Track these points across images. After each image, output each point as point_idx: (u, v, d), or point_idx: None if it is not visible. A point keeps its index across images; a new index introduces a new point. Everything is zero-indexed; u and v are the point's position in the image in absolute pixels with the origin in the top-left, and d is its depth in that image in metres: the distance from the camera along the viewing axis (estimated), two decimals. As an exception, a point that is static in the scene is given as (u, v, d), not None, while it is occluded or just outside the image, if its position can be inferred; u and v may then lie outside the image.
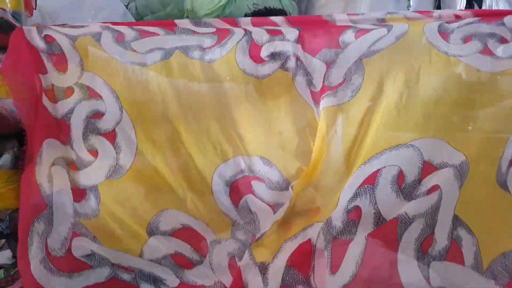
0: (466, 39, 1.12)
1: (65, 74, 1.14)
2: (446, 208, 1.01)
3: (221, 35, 1.18)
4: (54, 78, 1.14)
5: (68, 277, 1.04)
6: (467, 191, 1.02)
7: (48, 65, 1.14)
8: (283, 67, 1.14)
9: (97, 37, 1.15)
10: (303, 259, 1.07)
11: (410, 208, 1.02)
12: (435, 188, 1.02)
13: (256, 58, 1.15)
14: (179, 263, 1.09)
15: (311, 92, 1.13)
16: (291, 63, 1.13)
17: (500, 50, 1.08)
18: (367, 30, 1.16)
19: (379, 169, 1.05)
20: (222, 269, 1.09)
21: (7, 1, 1.36)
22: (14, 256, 1.29)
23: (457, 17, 1.19)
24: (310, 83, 1.13)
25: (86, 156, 1.11)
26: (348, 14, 1.24)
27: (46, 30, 1.17)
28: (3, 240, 1.35)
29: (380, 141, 1.06)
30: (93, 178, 1.10)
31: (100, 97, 1.12)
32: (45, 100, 1.13)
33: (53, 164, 1.11)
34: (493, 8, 2.29)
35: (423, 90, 1.07)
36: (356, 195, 1.06)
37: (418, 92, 1.07)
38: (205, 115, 1.13)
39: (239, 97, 1.13)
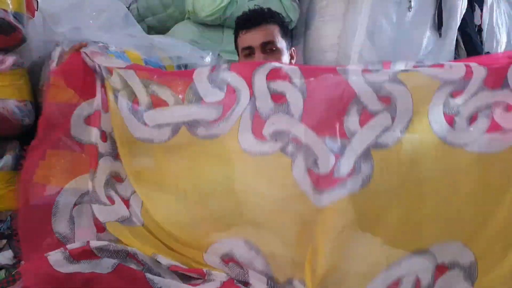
0: (471, 119, 1.08)
1: (105, 114, 1.18)
2: None
3: (226, 105, 1.15)
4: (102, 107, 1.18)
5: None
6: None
7: (101, 91, 1.19)
8: (283, 150, 1.10)
9: (116, 95, 1.17)
10: None
11: None
12: None
13: (258, 134, 1.12)
14: None
15: (312, 174, 1.07)
16: (291, 148, 1.09)
17: (506, 120, 1.06)
18: (371, 115, 1.11)
19: (399, 279, 1.03)
20: None
21: (9, 2, 1.37)
22: (15, 257, 1.30)
23: (468, 70, 1.12)
24: (314, 163, 1.08)
25: (103, 198, 1.15)
26: (363, 71, 1.17)
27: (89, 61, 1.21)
28: (4, 241, 1.35)
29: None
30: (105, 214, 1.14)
31: (121, 162, 1.17)
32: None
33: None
34: (494, 8, 2.30)
35: (434, 190, 1.07)
36: None
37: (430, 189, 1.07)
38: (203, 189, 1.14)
39: (234, 173, 1.12)
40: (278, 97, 1.13)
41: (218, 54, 1.88)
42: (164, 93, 1.17)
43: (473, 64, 1.11)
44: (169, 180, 1.16)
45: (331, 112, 1.12)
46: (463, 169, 1.06)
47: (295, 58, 1.48)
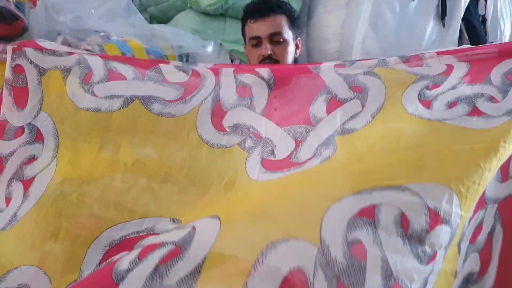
0: (451, 105, 1.00)
1: (23, 111, 1.09)
2: None
3: (189, 88, 1.12)
4: (10, 114, 1.09)
5: None
6: None
7: (8, 99, 1.09)
8: (241, 145, 1.07)
9: (65, 73, 1.11)
10: None
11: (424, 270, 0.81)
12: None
13: (217, 124, 1.09)
14: None
15: (267, 161, 1.03)
16: (250, 143, 1.07)
17: (492, 109, 0.96)
18: (340, 103, 1.07)
19: (375, 205, 0.81)
20: None
21: (11, -9, 1.37)
22: None
23: (448, 68, 1.07)
24: (271, 153, 1.04)
25: (1, 203, 1.04)
26: (335, 65, 1.14)
27: (19, 58, 1.11)
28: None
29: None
30: None
31: (43, 141, 1.08)
32: None
33: None
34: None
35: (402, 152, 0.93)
36: (354, 225, 0.79)
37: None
38: (144, 169, 1.07)
39: (185, 159, 1.06)
40: (243, 90, 1.12)
41: (220, 44, 1.88)
42: (124, 69, 1.13)
43: (455, 64, 1.08)
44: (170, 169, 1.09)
45: (297, 104, 1.10)
46: (444, 137, 0.93)
47: (300, 48, 1.48)
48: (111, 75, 1.12)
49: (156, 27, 1.80)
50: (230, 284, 0.77)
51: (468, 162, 0.86)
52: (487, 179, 0.86)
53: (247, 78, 1.14)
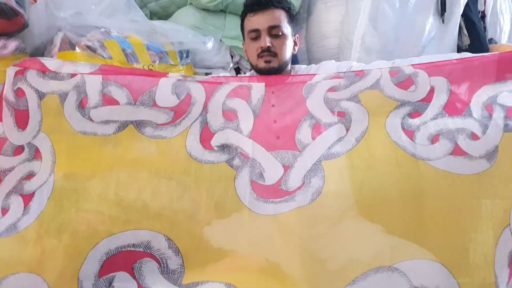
0: (433, 139, 1.04)
1: (23, 131, 1.14)
2: None
3: (178, 113, 1.17)
4: (10, 133, 1.14)
5: None
6: None
7: (10, 119, 1.15)
8: (229, 162, 1.11)
9: (63, 97, 1.16)
10: None
11: None
12: None
13: (205, 143, 1.14)
14: None
15: (256, 185, 1.08)
16: (238, 161, 1.11)
17: (472, 148, 1.01)
18: (324, 128, 1.11)
19: None
20: None
21: (11, -13, 1.37)
22: None
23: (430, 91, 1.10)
24: (260, 176, 1.09)
25: None
26: (328, 90, 1.17)
27: (21, 82, 1.17)
28: None
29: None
30: None
31: (41, 158, 1.12)
32: None
33: None
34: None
35: (391, 197, 1.01)
36: None
37: (387, 198, 1.01)
38: (140, 179, 1.11)
39: (174, 172, 1.11)
40: (230, 114, 1.16)
41: (220, 40, 1.88)
42: (118, 93, 1.18)
43: (438, 86, 1.10)
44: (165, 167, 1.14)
45: (282, 129, 1.13)
46: (428, 182, 1.00)
47: (298, 45, 1.48)
48: (105, 100, 1.16)
49: (156, 23, 1.81)
50: None
51: (452, 226, 0.97)
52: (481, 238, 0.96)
53: (234, 103, 1.18)
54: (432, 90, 1.10)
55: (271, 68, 1.35)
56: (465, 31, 2.14)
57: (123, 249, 1.02)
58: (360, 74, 1.18)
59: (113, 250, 1.02)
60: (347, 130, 1.09)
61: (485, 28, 2.31)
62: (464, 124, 1.04)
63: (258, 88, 1.20)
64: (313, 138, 1.09)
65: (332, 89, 1.17)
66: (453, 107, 1.07)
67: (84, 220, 1.05)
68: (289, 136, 1.12)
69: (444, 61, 1.17)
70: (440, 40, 2.00)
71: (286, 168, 1.07)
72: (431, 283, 0.93)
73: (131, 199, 1.08)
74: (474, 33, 2.16)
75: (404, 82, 1.13)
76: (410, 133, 1.05)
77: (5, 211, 1.08)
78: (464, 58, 1.19)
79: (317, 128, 1.11)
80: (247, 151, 1.11)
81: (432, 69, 1.14)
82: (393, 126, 1.06)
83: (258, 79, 1.25)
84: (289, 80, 1.24)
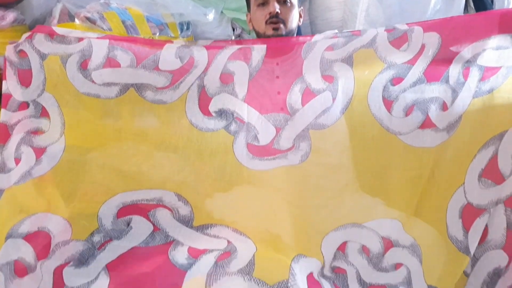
0: (408, 110, 1.14)
1: (27, 89, 1.18)
2: (418, 280, 1.09)
3: (176, 75, 1.21)
4: (14, 90, 1.19)
5: None
6: (428, 263, 1.09)
7: (13, 77, 1.19)
8: (227, 128, 1.18)
9: (64, 59, 1.19)
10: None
11: (389, 278, 1.10)
12: (399, 265, 1.11)
13: (204, 109, 1.20)
14: None
15: (252, 146, 1.17)
16: (235, 127, 1.18)
17: (439, 119, 1.11)
18: (313, 95, 1.18)
19: (346, 241, 1.13)
20: None
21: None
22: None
23: (419, 52, 1.18)
24: (254, 138, 1.17)
25: (10, 163, 1.15)
26: (326, 49, 1.24)
27: (23, 44, 1.21)
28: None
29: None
30: (3, 182, 1.13)
31: (49, 118, 1.18)
32: None
33: None
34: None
35: (364, 168, 1.15)
36: (336, 257, 1.12)
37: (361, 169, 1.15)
38: (144, 148, 1.17)
39: (178, 140, 1.18)
40: (226, 77, 1.21)
41: (221, 12, 1.85)
42: (123, 57, 1.21)
43: (428, 44, 1.16)
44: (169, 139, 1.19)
45: (271, 90, 1.20)
46: (394, 155, 1.13)
47: (302, 17, 1.46)
48: (107, 62, 1.20)
49: (157, -6, 1.77)
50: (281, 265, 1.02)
51: (409, 189, 1.12)
52: (428, 200, 1.11)
53: (234, 66, 1.23)
54: (422, 48, 1.16)
55: (279, 35, 1.34)
56: (471, 4, 2.09)
57: (137, 202, 1.13)
58: (357, 33, 1.23)
59: (128, 202, 1.13)
60: (333, 99, 1.16)
61: (492, 0, 2.26)
62: (439, 92, 1.12)
63: (259, 49, 1.24)
64: (303, 105, 1.17)
65: (329, 48, 1.22)
66: (434, 71, 1.14)
67: (94, 175, 1.14)
68: (281, 98, 1.20)
69: (445, 17, 1.24)
70: (446, 13, 1.96)
71: (278, 129, 1.16)
72: (393, 235, 1.12)
73: (142, 155, 1.16)
74: (481, 5, 2.11)
75: (400, 38, 1.20)
76: (389, 104, 1.14)
77: (17, 160, 1.15)
78: (467, 15, 1.22)
79: (306, 94, 1.18)
80: (243, 116, 1.18)
81: (429, 25, 1.20)
82: (375, 96, 1.15)
83: (260, 42, 1.28)
84: (290, 42, 1.28)
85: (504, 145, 1.03)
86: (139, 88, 1.19)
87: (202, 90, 1.20)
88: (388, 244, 1.11)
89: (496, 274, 1.04)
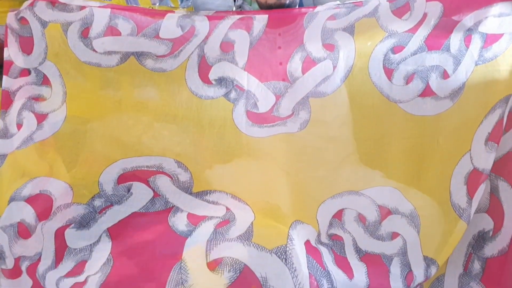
0: (409, 79, 1.12)
1: (28, 56, 1.18)
2: (414, 251, 1.08)
3: (176, 44, 1.19)
4: (16, 57, 1.18)
5: None
6: (426, 234, 1.08)
7: (15, 44, 1.19)
8: (226, 96, 1.17)
9: (65, 26, 1.18)
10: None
11: (384, 247, 1.10)
12: (396, 234, 1.10)
13: (204, 77, 1.19)
14: None
15: (251, 114, 1.16)
16: (235, 94, 1.17)
17: (441, 88, 1.09)
18: (314, 63, 1.16)
19: (343, 209, 1.12)
20: None
21: None
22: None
23: (420, 21, 1.15)
24: (254, 105, 1.17)
25: (12, 129, 1.16)
26: (327, 18, 1.22)
27: (24, 11, 1.20)
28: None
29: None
30: (6, 147, 1.15)
31: (50, 86, 1.18)
32: None
33: None
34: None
35: (364, 138, 1.14)
36: (331, 224, 1.12)
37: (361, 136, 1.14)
38: (144, 119, 1.18)
39: (178, 109, 1.17)
40: (227, 45, 1.20)
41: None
42: (124, 25, 1.20)
43: (430, 13, 1.13)
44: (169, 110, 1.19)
45: (273, 60, 1.19)
46: (394, 124, 1.12)
47: None
48: (108, 31, 1.19)
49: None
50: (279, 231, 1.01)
51: (409, 158, 1.11)
52: (430, 169, 1.10)
53: (235, 34, 1.21)
54: (424, 17, 1.14)
55: (282, 4, 1.32)
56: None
57: (138, 168, 1.14)
58: (359, 4, 1.21)
59: (128, 168, 1.14)
60: (334, 68, 1.15)
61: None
62: (439, 61, 1.10)
63: (260, 19, 1.23)
64: (303, 73, 1.16)
65: (331, 17, 1.20)
66: (435, 40, 1.11)
67: (94, 144, 1.15)
68: (282, 66, 1.18)
69: None
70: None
71: (278, 97, 1.15)
72: (391, 203, 1.11)
73: (142, 126, 1.17)
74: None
75: (402, 7, 1.17)
76: (390, 72, 1.13)
77: (19, 126, 1.16)
78: None
79: (307, 63, 1.17)
80: (242, 84, 1.17)
81: None
82: (375, 65, 1.14)
83: (262, 12, 1.26)
84: (292, 12, 1.26)
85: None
86: (140, 56, 1.19)
87: (202, 58, 1.19)
88: (386, 212, 1.11)
89: (481, 237, 1.04)
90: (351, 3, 1.24)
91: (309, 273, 0.91)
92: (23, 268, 1.03)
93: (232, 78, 1.17)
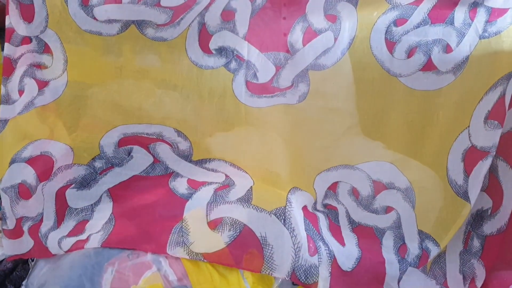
0: (410, 52, 1.11)
1: (30, 24, 1.18)
2: (408, 226, 1.09)
3: (177, 12, 1.18)
4: (17, 25, 1.18)
5: None
6: (422, 208, 1.08)
7: (15, 11, 1.17)
8: (226, 66, 1.17)
9: None
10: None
11: (377, 220, 1.11)
12: (390, 208, 1.10)
13: (204, 47, 1.18)
14: None
15: (251, 84, 1.16)
16: (235, 65, 1.17)
17: (443, 62, 1.08)
18: (315, 34, 1.15)
19: (337, 181, 1.12)
20: None
21: None
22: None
23: None
24: (253, 76, 1.16)
25: (14, 95, 1.16)
26: None
27: None
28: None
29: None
30: (8, 112, 1.15)
31: (52, 54, 1.17)
32: None
33: None
34: None
35: (365, 111, 1.13)
36: (326, 195, 1.13)
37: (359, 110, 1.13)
38: (146, 85, 1.18)
39: (178, 78, 1.17)
40: (228, 14, 1.18)
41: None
42: None
43: None
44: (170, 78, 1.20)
45: (276, 30, 1.18)
46: (395, 98, 1.11)
47: None
48: None
49: None
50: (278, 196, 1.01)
51: (409, 131, 1.09)
52: (429, 144, 1.09)
53: (237, 2, 1.20)
54: None
55: None
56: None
57: (138, 134, 1.15)
58: None
59: (129, 133, 1.15)
60: (335, 39, 1.14)
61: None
62: (443, 34, 1.08)
63: None
64: (304, 44, 1.15)
65: None
66: (439, 12, 1.10)
67: (98, 113, 1.16)
68: (283, 37, 1.18)
69: None
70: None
71: (278, 68, 1.15)
72: (386, 178, 1.10)
73: (143, 92, 1.17)
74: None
75: None
76: (391, 45, 1.12)
77: (21, 92, 1.16)
78: None
79: (308, 34, 1.16)
80: (243, 54, 1.17)
81: None
82: (377, 37, 1.13)
83: None
84: None
85: None
86: (140, 24, 1.18)
87: (202, 27, 1.18)
88: (380, 186, 1.12)
89: (479, 215, 1.04)
90: None
91: (307, 234, 0.93)
92: (25, 228, 1.04)
93: (232, 48, 1.17)
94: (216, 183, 1.09)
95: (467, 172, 1.03)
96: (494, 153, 1.01)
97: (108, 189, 1.06)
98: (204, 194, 1.04)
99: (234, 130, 1.16)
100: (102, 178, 1.08)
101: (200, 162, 1.16)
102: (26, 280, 1.01)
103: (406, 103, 1.11)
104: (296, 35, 1.17)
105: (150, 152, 1.14)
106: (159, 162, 1.14)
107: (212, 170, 1.14)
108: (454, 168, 1.05)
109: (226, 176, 1.12)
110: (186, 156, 1.16)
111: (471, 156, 1.03)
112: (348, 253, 1.03)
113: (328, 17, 1.17)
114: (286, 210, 0.92)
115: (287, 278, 0.86)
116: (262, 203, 0.95)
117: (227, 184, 1.09)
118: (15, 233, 1.06)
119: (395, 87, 1.11)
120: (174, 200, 1.03)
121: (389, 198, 1.10)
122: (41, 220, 1.05)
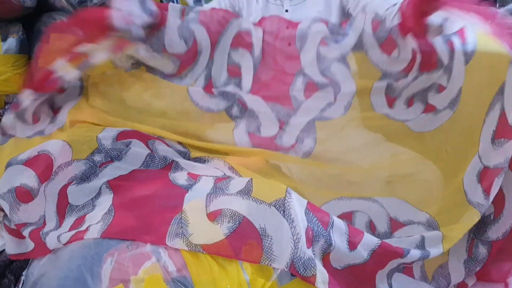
0: (409, 102, 1.17)
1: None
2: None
3: (184, 62, 1.22)
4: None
5: None
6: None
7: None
8: (228, 111, 1.21)
9: None
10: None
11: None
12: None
13: (209, 90, 1.22)
14: None
15: (254, 135, 1.20)
16: (236, 111, 1.21)
17: (439, 101, 1.13)
18: (316, 88, 1.20)
19: (352, 211, 1.12)
20: None
21: None
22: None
23: (412, 59, 1.15)
24: (257, 129, 1.20)
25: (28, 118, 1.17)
26: (320, 42, 1.23)
27: None
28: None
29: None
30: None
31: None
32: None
33: None
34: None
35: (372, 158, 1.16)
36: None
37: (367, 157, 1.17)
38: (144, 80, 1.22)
39: (180, 114, 1.21)
40: (233, 69, 1.24)
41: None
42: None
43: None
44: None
45: (279, 83, 1.22)
46: (402, 140, 1.16)
47: None
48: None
49: None
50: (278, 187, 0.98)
51: (419, 177, 1.12)
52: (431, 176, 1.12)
53: (239, 55, 1.24)
54: (414, 55, 1.13)
55: None
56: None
57: (137, 130, 1.16)
58: (344, 25, 1.22)
59: (128, 128, 1.15)
60: (335, 97, 1.20)
61: None
62: (435, 78, 1.12)
63: (256, 33, 1.25)
64: (306, 97, 1.20)
65: (323, 42, 1.22)
66: (428, 62, 1.12)
67: (97, 104, 1.19)
68: (285, 89, 1.22)
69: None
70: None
71: (282, 123, 1.19)
72: (403, 216, 1.11)
73: (135, 98, 1.20)
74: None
75: (386, 43, 1.17)
76: (391, 100, 1.18)
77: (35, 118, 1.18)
78: None
79: (310, 87, 1.20)
80: (246, 100, 1.20)
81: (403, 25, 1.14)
82: (377, 96, 1.19)
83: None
84: (281, 24, 1.26)
85: (508, 97, 0.97)
86: (150, 69, 1.22)
87: (209, 81, 1.23)
88: (396, 224, 1.11)
89: (482, 222, 1.03)
90: (336, 24, 1.24)
91: (308, 226, 0.92)
92: (26, 233, 1.00)
93: (236, 93, 1.22)
94: (216, 176, 1.09)
95: (486, 192, 1.01)
96: (507, 167, 1.00)
97: (107, 181, 1.05)
98: (204, 184, 1.03)
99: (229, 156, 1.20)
100: (101, 171, 1.07)
101: (199, 160, 1.16)
102: (26, 270, 1.01)
103: (414, 145, 1.16)
104: (297, 88, 1.21)
105: (148, 147, 1.13)
106: (158, 155, 1.13)
107: (211, 166, 1.15)
108: (472, 190, 1.03)
109: (224, 173, 1.12)
110: (184, 154, 1.17)
111: (486, 175, 1.01)
112: (355, 255, 0.98)
113: (326, 77, 1.21)
114: (286, 201, 0.92)
115: (286, 269, 0.86)
116: (262, 195, 0.94)
117: (227, 176, 1.08)
118: (16, 234, 1.04)
119: (403, 131, 1.17)
120: (173, 190, 1.01)
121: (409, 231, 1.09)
122: (44, 224, 1.02)
